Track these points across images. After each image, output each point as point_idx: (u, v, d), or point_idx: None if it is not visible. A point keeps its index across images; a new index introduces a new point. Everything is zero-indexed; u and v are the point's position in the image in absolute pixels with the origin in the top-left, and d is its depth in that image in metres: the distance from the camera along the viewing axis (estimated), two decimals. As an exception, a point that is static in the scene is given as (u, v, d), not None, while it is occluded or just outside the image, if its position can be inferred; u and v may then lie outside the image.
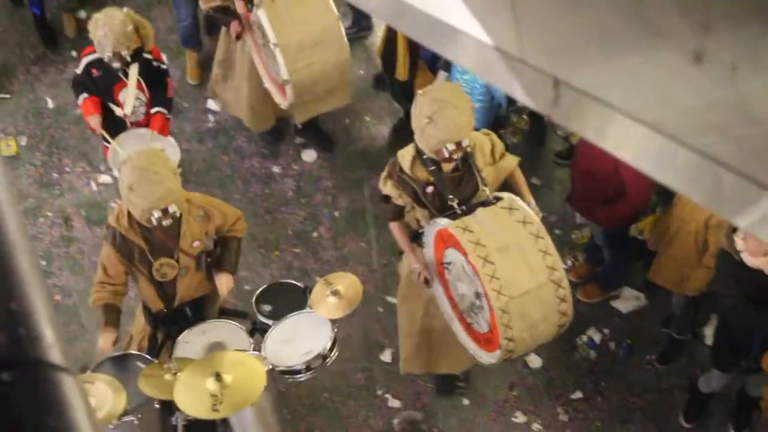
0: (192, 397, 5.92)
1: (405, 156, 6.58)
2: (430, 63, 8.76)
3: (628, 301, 8.49)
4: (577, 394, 8.06)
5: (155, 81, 7.99)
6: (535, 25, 2.02)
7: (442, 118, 6.18)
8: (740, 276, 6.49)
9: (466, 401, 7.97)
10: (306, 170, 9.51)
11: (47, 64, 10.31)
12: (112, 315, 6.62)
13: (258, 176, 9.48)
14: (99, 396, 5.99)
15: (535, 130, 9.54)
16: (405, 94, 9.30)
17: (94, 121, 7.86)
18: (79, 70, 7.97)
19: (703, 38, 1.60)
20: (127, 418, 6.21)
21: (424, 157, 6.48)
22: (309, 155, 9.56)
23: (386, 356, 8.27)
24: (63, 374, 1.42)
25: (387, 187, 6.71)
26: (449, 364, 7.63)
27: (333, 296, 6.65)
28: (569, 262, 8.64)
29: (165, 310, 6.85)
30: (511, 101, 8.44)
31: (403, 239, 6.95)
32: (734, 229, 6.43)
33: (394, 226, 6.97)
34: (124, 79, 7.86)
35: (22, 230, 1.54)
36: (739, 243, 6.37)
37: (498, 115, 8.44)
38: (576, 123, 2.08)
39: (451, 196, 6.48)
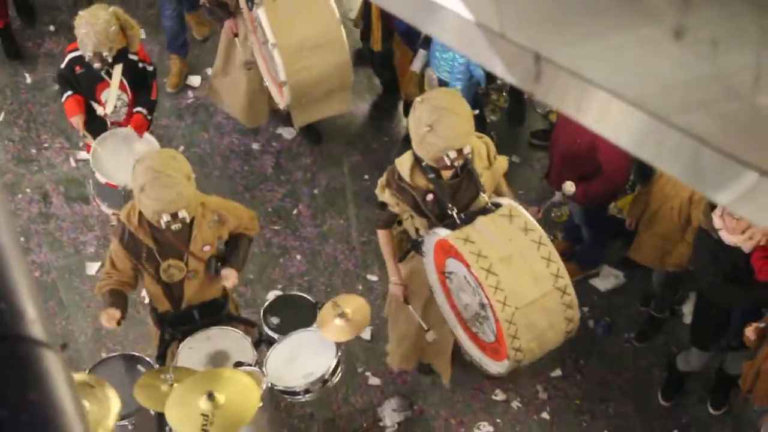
0: (183, 414, 5.80)
1: (403, 164, 6.46)
2: (406, 37, 8.74)
3: (606, 279, 8.52)
4: (557, 372, 8.09)
5: (139, 82, 7.86)
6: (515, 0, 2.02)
7: (442, 126, 6.08)
8: (718, 254, 6.52)
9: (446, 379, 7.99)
10: (285, 147, 9.49)
11: (24, 39, 10.24)
12: (117, 298, 6.46)
13: (237, 153, 9.46)
14: (94, 399, 5.82)
15: (514, 108, 9.55)
16: (382, 64, 9.29)
17: (77, 121, 7.75)
18: (62, 65, 7.85)
19: (683, 14, 1.61)
20: (121, 423, 6.13)
21: (423, 164, 6.37)
22: (288, 132, 9.54)
23: (366, 333, 8.27)
24: (45, 350, 1.42)
25: (385, 195, 6.57)
26: (438, 366, 7.70)
27: (340, 319, 6.50)
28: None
29: (172, 312, 6.75)
30: (490, 79, 8.44)
31: (388, 250, 6.89)
32: (712, 207, 6.46)
33: (382, 234, 6.89)
34: (107, 79, 7.73)
35: (3, 205, 1.53)
36: (716, 221, 6.39)
37: (476, 93, 8.44)
38: (557, 99, 2.07)
39: (450, 205, 6.37)
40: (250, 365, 6.43)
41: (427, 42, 8.30)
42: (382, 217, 6.80)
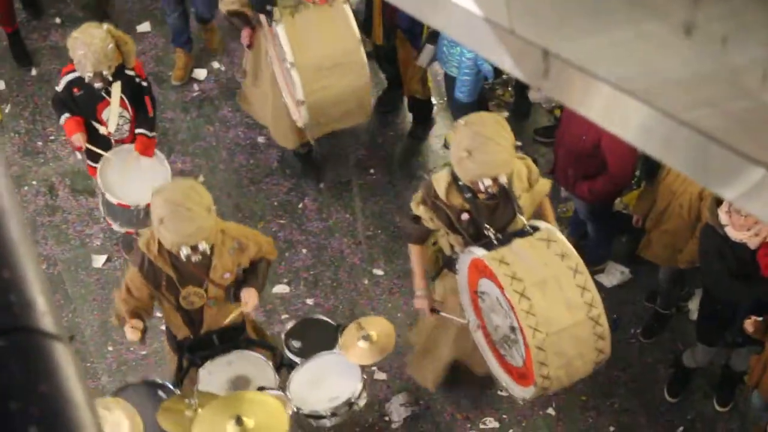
0: None
1: (440, 181, 6.37)
2: (409, 34, 8.71)
3: (612, 275, 8.51)
4: (561, 367, 8.09)
5: (138, 98, 7.75)
6: (525, -4, 2.02)
7: (481, 154, 6.00)
8: (724, 250, 6.51)
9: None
10: (291, 141, 9.47)
11: (30, 31, 10.24)
12: (137, 312, 6.41)
13: (243, 146, 9.46)
14: (115, 424, 5.78)
15: (519, 103, 9.54)
16: (386, 59, 9.27)
17: (79, 139, 7.62)
18: (59, 88, 7.72)
19: (693, 10, 1.61)
20: None
21: (460, 183, 6.27)
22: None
23: (371, 328, 8.27)
24: (55, 342, 1.42)
25: (419, 210, 6.48)
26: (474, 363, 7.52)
27: (364, 341, 6.45)
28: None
29: (191, 337, 6.71)
30: (496, 74, 8.43)
31: (418, 266, 6.82)
32: (718, 203, 6.45)
33: (414, 249, 6.81)
34: (107, 97, 7.62)
35: (12, 197, 1.53)
36: (723, 217, 6.38)
37: (482, 87, 8.44)
38: (565, 95, 2.08)
39: (486, 225, 6.29)
40: (273, 390, 6.35)
41: (434, 37, 8.28)
42: (414, 232, 6.71)
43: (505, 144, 6.07)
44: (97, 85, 7.44)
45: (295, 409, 6.31)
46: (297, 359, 6.71)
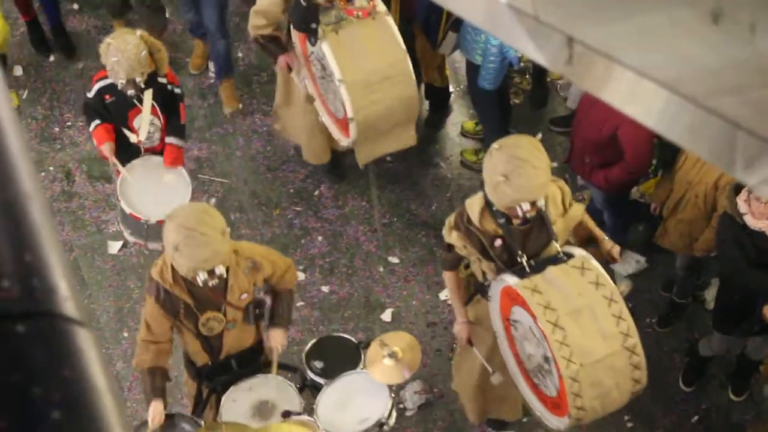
0: None
1: (473, 207, 6.21)
2: (424, 25, 8.69)
3: (628, 264, 8.48)
4: (576, 356, 8.08)
5: (170, 106, 7.64)
6: (549, -18, 2.01)
7: (519, 178, 5.82)
8: (742, 238, 6.49)
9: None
10: (308, 128, 9.47)
11: (47, 18, 10.24)
12: (159, 380, 6.30)
13: (260, 133, 9.46)
14: None
15: (537, 91, 9.52)
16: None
17: (107, 149, 7.51)
18: (90, 95, 7.63)
19: (721, -3, 1.60)
20: None
21: (494, 209, 6.12)
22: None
23: (386, 316, 8.29)
24: (78, 327, 1.42)
25: (452, 238, 6.36)
26: (505, 411, 7.47)
27: (390, 359, 6.36)
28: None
29: (209, 364, 6.61)
30: (514, 62, 8.42)
31: (455, 291, 6.72)
32: (736, 192, 6.43)
33: (449, 276, 6.71)
34: (138, 105, 7.52)
35: (35, 181, 1.52)
36: (741, 205, 6.36)
37: (505, 75, 8.44)
38: (588, 81, 2.06)
39: (519, 252, 6.15)
40: (299, 413, 6.26)
41: (457, 25, 8.26)
42: (448, 259, 6.62)
43: (541, 166, 5.90)
44: (130, 92, 7.31)
45: None
46: (320, 380, 6.61)
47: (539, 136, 9.25)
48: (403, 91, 7.54)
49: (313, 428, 6.10)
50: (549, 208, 6.16)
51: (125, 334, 8.21)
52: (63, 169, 9.23)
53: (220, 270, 5.88)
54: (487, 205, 6.14)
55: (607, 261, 8.43)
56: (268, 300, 6.55)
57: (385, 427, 6.36)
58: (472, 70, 8.46)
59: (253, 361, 6.68)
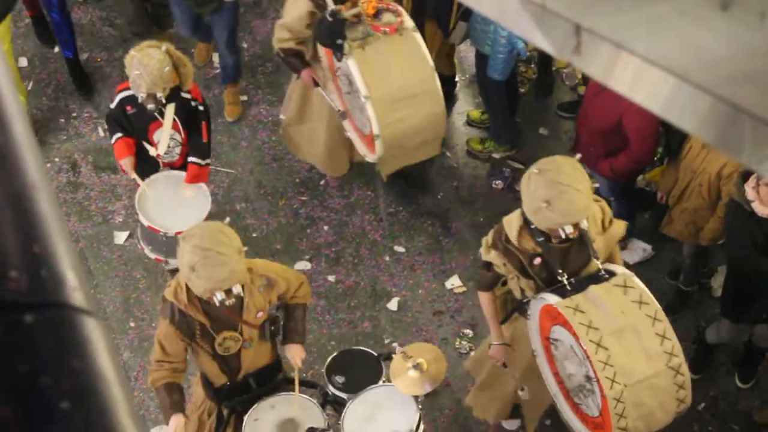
0: None
1: (512, 225, 6.10)
2: (434, 15, 8.66)
3: (635, 252, 8.48)
4: (583, 344, 8.08)
5: (192, 121, 7.50)
6: (557, -30, 2.00)
7: (562, 203, 5.72)
8: (750, 226, 6.49)
9: (473, 352, 7.96)
10: (313, 118, 9.47)
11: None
12: (176, 395, 6.20)
13: (265, 123, 9.46)
14: None
15: (542, 80, 9.52)
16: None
17: (127, 164, 7.42)
18: (113, 105, 7.53)
19: (730, -16, 1.59)
20: None
21: (533, 227, 6.01)
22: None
23: (393, 305, 8.29)
24: (86, 317, 1.42)
25: (491, 256, 6.25)
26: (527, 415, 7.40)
27: (414, 370, 6.27)
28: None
29: (228, 384, 6.50)
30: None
31: (490, 312, 6.57)
32: (744, 179, 6.42)
33: (484, 297, 6.55)
34: (160, 119, 7.40)
35: (42, 171, 1.52)
36: (749, 192, 6.36)
37: (514, 66, 8.45)
38: (596, 69, 2.06)
39: (560, 270, 6.07)
40: (324, 430, 6.20)
41: (467, 14, 8.25)
42: (485, 278, 6.48)
43: (583, 189, 5.79)
44: (150, 106, 7.19)
45: None
46: (343, 395, 6.54)
47: (544, 132, 9.25)
48: (431, 108, 7.45)
49: None
50: (589, 227, 6.06)
51: (132, 324, 8.22)
52: (69, 159, 9.23)
53: (237, 289, 5.83)
54: (526, 223, 6.04)
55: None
56: (281, 315, 6.52)
57: None
58: (481, 60, 8.47)
59: (271, 379, 6.60)
